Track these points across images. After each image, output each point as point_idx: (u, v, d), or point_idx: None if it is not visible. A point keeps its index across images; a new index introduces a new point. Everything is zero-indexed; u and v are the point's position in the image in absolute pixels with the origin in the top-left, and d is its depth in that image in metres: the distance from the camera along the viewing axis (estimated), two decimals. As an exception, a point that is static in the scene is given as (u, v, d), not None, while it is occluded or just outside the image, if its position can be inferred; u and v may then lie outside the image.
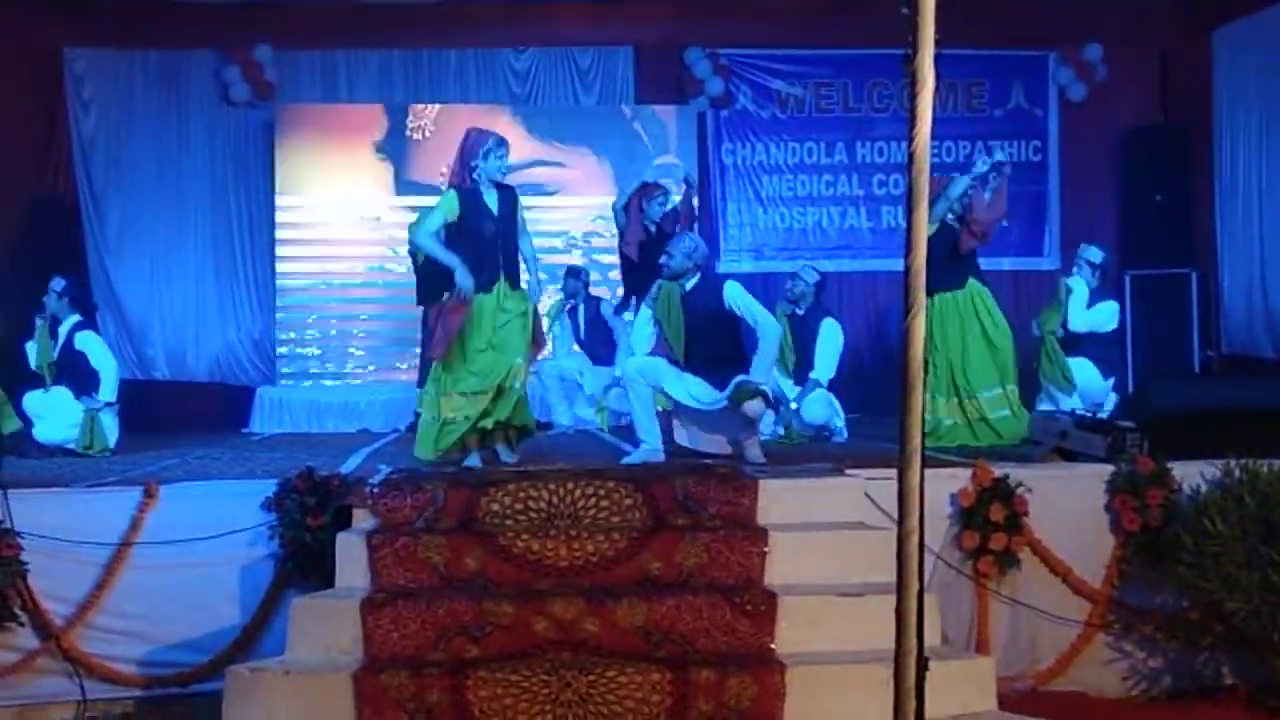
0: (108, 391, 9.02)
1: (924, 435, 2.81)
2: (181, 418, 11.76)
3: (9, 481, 6.57)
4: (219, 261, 13.00)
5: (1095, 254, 9.40)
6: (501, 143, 7.33)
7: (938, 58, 2.63)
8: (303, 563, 6.21)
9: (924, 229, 2.72)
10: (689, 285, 7.53)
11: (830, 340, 9.59)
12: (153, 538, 6.32)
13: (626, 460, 7.43)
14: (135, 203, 12.70)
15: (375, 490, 6.22)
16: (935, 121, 2.67)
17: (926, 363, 3.17)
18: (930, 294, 8.34)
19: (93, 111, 12.78)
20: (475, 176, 7.27)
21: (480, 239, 7.23)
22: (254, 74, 12.70)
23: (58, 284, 9.27)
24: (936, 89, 2.66)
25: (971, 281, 8.69)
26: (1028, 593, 6.52)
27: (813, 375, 9.49)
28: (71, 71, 12.72)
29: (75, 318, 9.17)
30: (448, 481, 6.34)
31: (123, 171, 12.74)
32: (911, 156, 2.71)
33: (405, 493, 6.17)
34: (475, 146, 7.28)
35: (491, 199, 7.30)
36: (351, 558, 5.86)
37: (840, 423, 9.52)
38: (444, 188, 7.54)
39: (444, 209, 7.26)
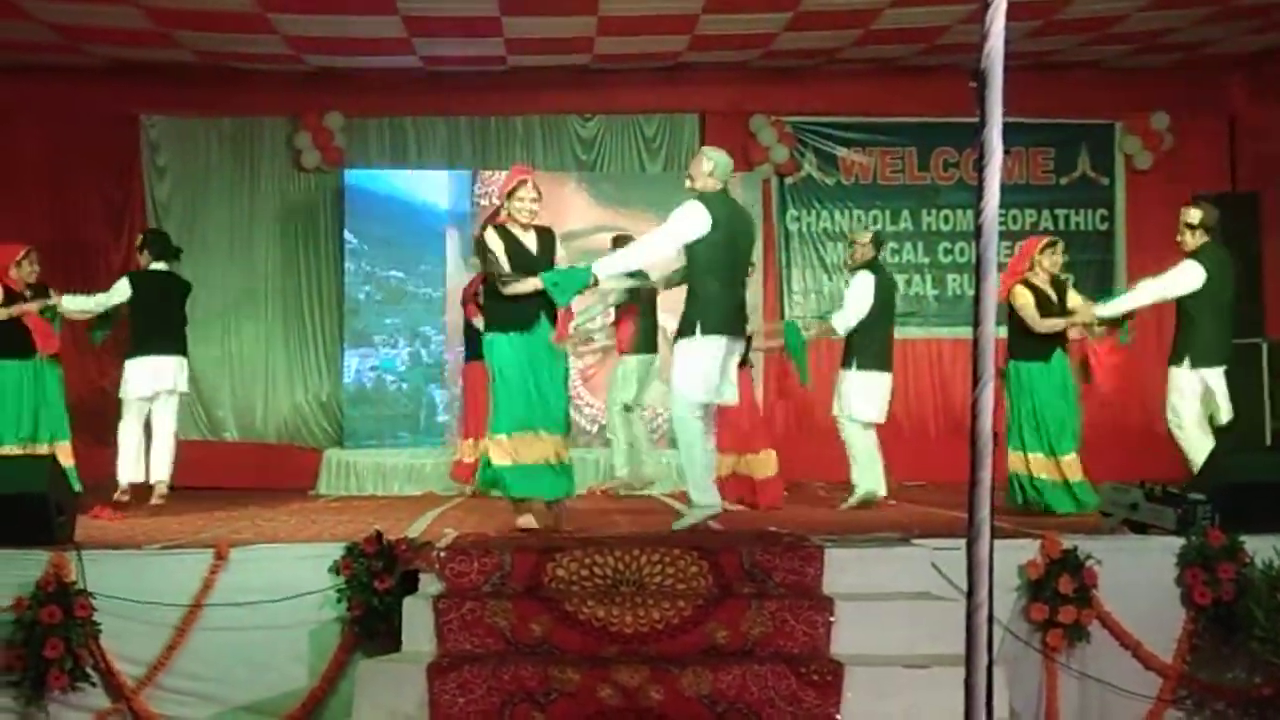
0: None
1: (993, 506, 2.79)
2: (250, 479, 11.86)
3: (82, 542, 6.67)
4: (288, 324, 13.18)
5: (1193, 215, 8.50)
6: (523, 182, 7.40)
7: (1004, 127, 2.64)
8: (370, 626, 6.24)
9: (993, 300, 2.72)
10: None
11: (854, 289, 9.32)
12: (222, 599, 6.37)
13: (677, 526, 7.41)
14: (207, 266, 12.86)
15: (442, 554, 6.26)
16: (1001, 190, 2.68)
17: (996, 435, 3.16)
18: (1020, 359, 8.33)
19: (167, 176, 13.02)
20: (503, 214, 7.39)
21: (521, 274, 7.29)
22: (324, 140, 12.89)
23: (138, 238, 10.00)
24: (1003, 159, 2.67)
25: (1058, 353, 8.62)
26: (1097, 666, 6.44)
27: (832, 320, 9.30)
28: (147, 137, 12.97)
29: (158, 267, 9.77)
30: (514, 546, 6.38)
31: (195, 235, 12.90)
32: (979, 228, 2.71)
33: (472, 557, 6.21)
34: (505, 184, 7.44)
35: (528, 239, 7.40)
36: (418, 622, 5.90)
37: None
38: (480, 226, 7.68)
39: (495, 246, 7.31)
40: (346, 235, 12.81)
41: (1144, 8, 10.98)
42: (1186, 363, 8.41)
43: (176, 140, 13.06)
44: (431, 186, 12.91)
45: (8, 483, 6.74)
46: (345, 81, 12.66)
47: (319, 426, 13.02)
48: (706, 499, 7.40)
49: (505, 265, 7.26)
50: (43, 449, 8.89)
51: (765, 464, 9.28)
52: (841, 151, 13.31)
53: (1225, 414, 8.41)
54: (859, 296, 9.22)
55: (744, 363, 8.37)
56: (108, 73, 12.33)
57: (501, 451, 7.25)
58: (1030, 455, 8.42)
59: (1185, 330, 8.46)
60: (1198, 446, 8.35)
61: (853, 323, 9.16)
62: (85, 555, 6.35)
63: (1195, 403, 8.42)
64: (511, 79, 12.78)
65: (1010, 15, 2.61)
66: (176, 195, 13.03)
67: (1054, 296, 8.53)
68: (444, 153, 13.31)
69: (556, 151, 13.33)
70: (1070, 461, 8.39)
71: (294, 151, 13.02)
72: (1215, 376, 8.39)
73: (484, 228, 7.49)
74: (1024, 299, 8.48)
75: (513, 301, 7.26)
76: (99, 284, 12.14)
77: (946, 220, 13.33)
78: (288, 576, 6.42)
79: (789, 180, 13.34)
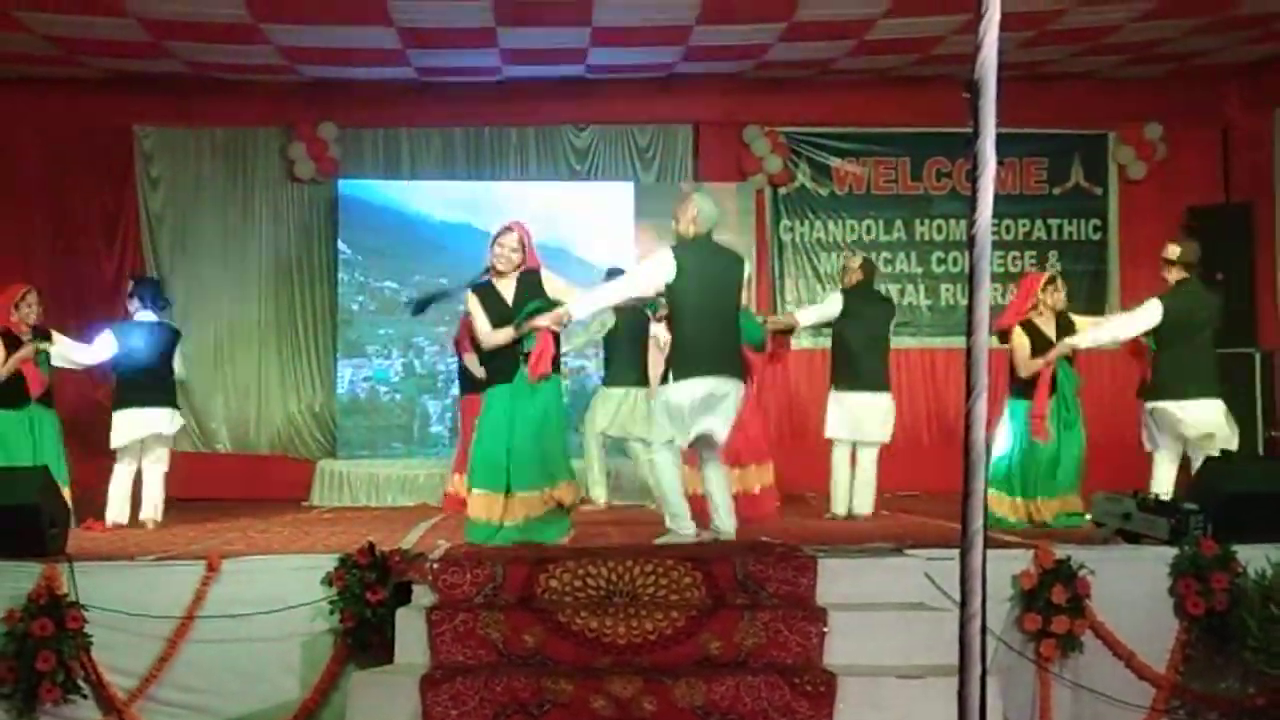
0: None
1: (986, 518, 2.79)
2: (243, 491, 11.84)
3: (74, 554, 6.65)
4: (281, 335, 13.14)
5: (1171, 251, 8.57)
6: (503, 231, 7.56)
7: (997, 137, 2.64)
8: (363, 638, 6.24)
9: (985, 310, 2.72)
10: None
11: (825, 301, 9.93)
12: (214, 611, 6.37)
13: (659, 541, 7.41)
14: (201, 277, 12.90)
15: (435, 566, 6.25)
16: (995, 200, 2.68)
17: (988, 449, 3.15)
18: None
19: (161, 188, 12.98)
20: (488, 266, 7.56)
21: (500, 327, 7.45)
22: (318, 151, 12.86)
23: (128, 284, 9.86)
24: (996, 169, 2.67)
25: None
26: (1090, 676, 6.45)
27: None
28: (140, 148, 12.93)
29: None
30: (507, 558, 6.37)
31: (189, 246, 12.94)
32: (972, 239, 2.71)
33: (465, 568, 6.20)
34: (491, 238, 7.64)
35: (506, 287, 7.49)
36: (411, 633, 5.90)
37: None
38: None
39: (474, 309, 7.53)
40: (340, 246, 12.79)
41: (1137, 18, 10.98)
42: (1143, 395, 8.54)
43: (170, 151, 13.03)
44: (425, 197, 12.89)
45: (0, 495, 6.72)
46: (339, 92, 12.65)
47: (312, 437, 12.99)
48: (682, 527, 7.40)
49: (485, 322, 7.45)
50: None
51: (757, 477, 9.32)
52: (835, 162, 13.31)
53: (1220, 439, 8.35)
54: (823, 305, 9.84)
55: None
56: (102, 84, 12.30)
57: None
58: (994, 492, 8.40)
59: (1153, 364, 8.53)
60: (1161, 478, 8.44)
61: (809, 320, 9.83)
62: (77, 567, 6.35)
63: (1163, 438, 8.46)
64: (506, 89, 12.77)
65: (1003, 26, 2.61)
66: (170, 206, 12.99)
67: (1054, 336, 8.52)
68: (438, 163, 13.29)
69: (550, 161, 13.31)
70: (1046, 504, 8.40)
71: (288, 162, 12.99)
72: (1181, 409, 8.38)
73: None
74: (1019, 340, 8.52)
75: (495, 356, 7.50)
76: (92, 293, 12.22)
77: (939, 230, 13.33)
78: (280, 588, 6.42)
79: (782, 190, 13.33)
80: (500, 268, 7.48)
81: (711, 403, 7.31)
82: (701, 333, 7.34)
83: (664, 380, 7.47)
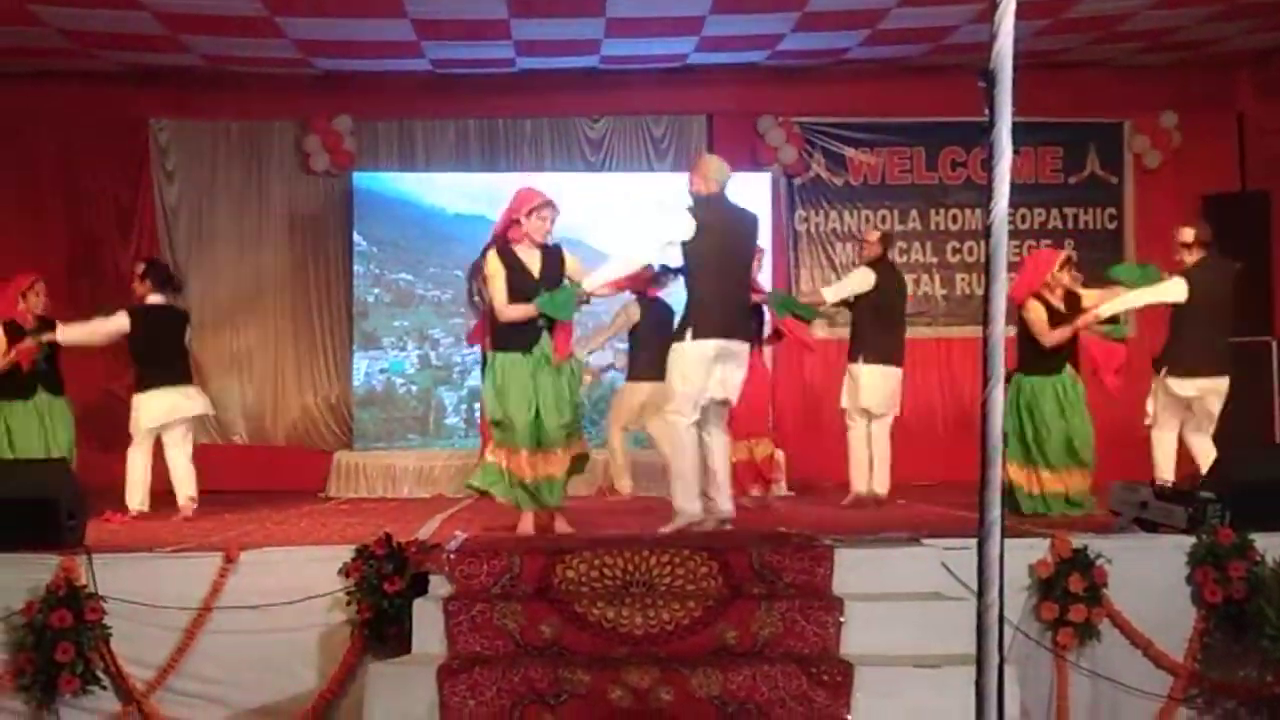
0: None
1: (1003, 507, 2.79)
2: (259, 482, 11.87)
3: (93, 546, 6.67)
4: (297, 326, 13.16)
5: (1186, 234, 8.72)
6: (548, 204, 7.45)
7: (1013, 126, 2.63)
8: (380, 629, 6.24)
9: (1002, 300, 2.71)
10: None
11: (851, 275, 9.83)
12: (232, 602, 6.38)
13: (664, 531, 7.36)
14: (216, 270, 12.93)
15: (452, 556, 6.26)
16: (1010, 190, 2.67)
17: (1007, 436, 3.15)
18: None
19: (176, 180, 13.01)
20: (514, 230, 7.43)
21: (521, 298, 7.35)
22: (333, 143, 12.88)
23: (138, 267, 9.67)
24: (1012, 158, 2.66)
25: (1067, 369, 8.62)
26: (1108, 665, 6.44)
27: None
28: (156, 142, 12.96)
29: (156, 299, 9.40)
30: (524, 548, 6.38)
31: (204, 239, 12.98)
32: (989, 228, 2.70)
33: (482, 559, 6.21)
34: (522, 203, 7.43)
35: (532, 259, 7.42)
36: (428, 624, 5.90)
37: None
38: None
39: (496, 273, 7.37)
40: (355, 238, 12.82)
41: (1151, 6, 10.94)
42: (1164, 372, 8.60)
43: (185, 144, 13.05)
44: (440, 189, 12.90)
45: (19, 487, 6.76)
46: (354, 84, 12.66)
47: (328, 429, 13.02)
48: (687, 506, 7.40)
49: (503, 293, 7.34)
50: None
51: (760, 449, 9.43)
52: (850, 152, 13.29)
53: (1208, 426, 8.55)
54: (852, 280, 9.72)
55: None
56: (118, 78, 12.33)
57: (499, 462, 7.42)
58: (1010, 464, 8.46)
59: (1170, 341, 8.66)
60: (1164, 452, 8.61)
61: (836, 298, 9.67)
62: (96, 559, 6.36)
63: (1171, 410, 8.60)
64: (520, 81, 12.76)
65: (1018, 14, 2.61)
66: (185, 198, 13.02)
67: (1065, 311, 8.54)
68: (452, 155, 13.29)
69: (565, 153, 13.31)
70: (1058, 475, 8.42)
71: (302, 154, 13.01)
72: (1195, 388, 8.48)
73: (487, 251, 7.53)
74: (1036, 313, 8.50)
75: (514, 324, 7.37)
76: (107, 284, 12.25)
77: (955, 220, 13.31)
78: (297, 579, 6.43)
79: (797, 181, 13.32)
80: (535, 239, 7.43)
81: (726, 360, 7.37)
82: (718, 293, 7.38)
83: (678, 338, 7.37)
